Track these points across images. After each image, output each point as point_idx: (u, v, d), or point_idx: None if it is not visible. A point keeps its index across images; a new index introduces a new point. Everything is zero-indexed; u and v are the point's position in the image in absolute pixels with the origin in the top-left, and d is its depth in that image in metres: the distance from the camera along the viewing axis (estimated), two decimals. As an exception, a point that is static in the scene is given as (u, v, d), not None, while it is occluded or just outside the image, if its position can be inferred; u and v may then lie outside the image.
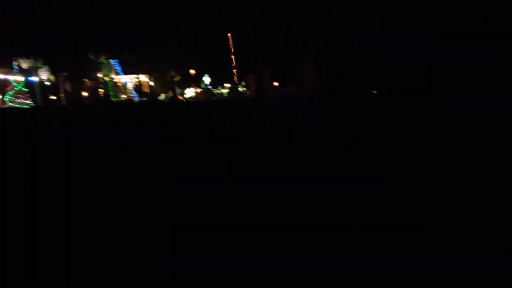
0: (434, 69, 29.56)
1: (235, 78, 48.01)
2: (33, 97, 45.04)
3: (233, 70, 47.38)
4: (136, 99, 47.24)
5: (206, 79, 49.93)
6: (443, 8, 29.91)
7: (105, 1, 43.60)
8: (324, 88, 38.01)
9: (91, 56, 44.47)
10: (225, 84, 49.09)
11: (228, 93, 48.84)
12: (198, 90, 48.85)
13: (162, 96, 47.88)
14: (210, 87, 49.97)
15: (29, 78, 44.16)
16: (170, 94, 48.33)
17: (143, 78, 48.70)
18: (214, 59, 47.83)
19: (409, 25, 33.03)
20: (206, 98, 45.98)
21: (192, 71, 47.66)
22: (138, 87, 48.70)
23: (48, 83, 45.17)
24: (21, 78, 44.82)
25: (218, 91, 49.15)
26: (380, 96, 35.78)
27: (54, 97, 46.10)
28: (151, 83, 48.98)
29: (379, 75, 35.97)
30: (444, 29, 29.66)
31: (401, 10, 34.14)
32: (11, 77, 44.96)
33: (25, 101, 44.43)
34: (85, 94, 45.06)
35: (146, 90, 48.85)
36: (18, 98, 44.46)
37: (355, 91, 35.85)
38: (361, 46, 37.84)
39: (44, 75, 44.76)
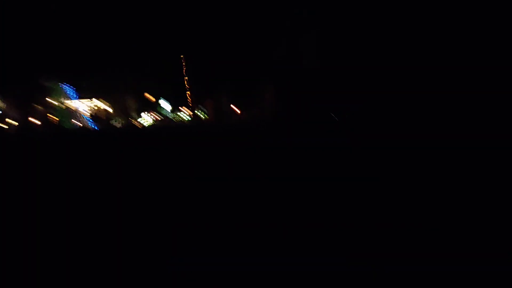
0: (390, 94, 30.38)
1: (189, 102, 47.47)
2: (-22, 125, 42.16)
3: (187, 93, 46.89)
4: (91, 125, 45.50)
5: (165, 104, 49.07)
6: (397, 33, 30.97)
7: (55, 24, 42.15)
8: (284, 113, 38.23)
9: (41, 81, 42.48)
10: (181, 108, 48.32)
11: (188, 119, 48.13)
12: (157, 115, 47.81)
13: (118, 122, 46.39)
14: (169, 112, 49.09)
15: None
16: (125, 120, 46.99)
17: (99, 103, 47.17)
18: (173, 83, 47.20)
19: (367, 52, 33.95)
20: (164, 124, 44.99)
21: (149, 96, 46.73)
22: (93, 112, 47.05)
23: (-4, 110, 42.47)
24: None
25: (178, 117, 48.33)
26: (339, 121, 36.24)
27: (5, 126, 43.40)
28: (108, 109, 47.52)
29: (339, 100, 36.52)
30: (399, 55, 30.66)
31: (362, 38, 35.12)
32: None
33: (-31, 129, 41.52)
34: (34, 120, 42.97)
35: (101, 115, 47.28)
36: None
37: (315, 116, 36.14)
38: (321, 72, 38.42)
39: (-11, 102, 42.11)
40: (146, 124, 46.93)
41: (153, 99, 47.10)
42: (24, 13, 41.29)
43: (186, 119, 47.73)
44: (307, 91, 37.64)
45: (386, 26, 31.42)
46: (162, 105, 49.03)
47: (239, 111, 45.77)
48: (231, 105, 45.75)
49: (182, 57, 47.83)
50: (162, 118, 47.54)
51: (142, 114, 47.45)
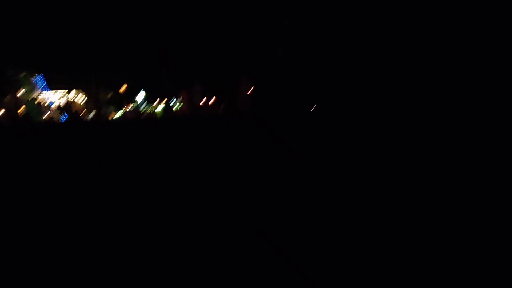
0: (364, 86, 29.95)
1: (167, 94, 46.36)
2: None
3: (164, 85, 45.71)
4: (62, 118, 44.13)
5: (140, 96, 47.87)
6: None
7: (25, 11, 40.55)
8: (260, 106, 37.57)
9: (9, 72, 40.83)
10: (156, 101, 47.11)
11: (162, 110, 47.05)
12: (130, 108, 46.67)
13: (91, 115, 45.13)
14: (144, 104, 47.92)
15: None
16: (100, 112, 45.77)
17: (71, 95, 45.74)
18: (149, 75, 45.96)
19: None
20: (134, 116, 43.89)
21: (123, 88, 45.49)
22: (66, 105, 45.65)
23: (-40, 102, 40.69)
24: None
25: (151, 109, 47.17)
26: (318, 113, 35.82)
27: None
28: (81, 101, 46.19)
29: (318, 92, 35.93)
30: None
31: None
32: None
33: None
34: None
35: (75, 108, 45.91)
36: None
37: (294, 108, 35.59)
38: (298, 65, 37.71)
39: (-46, 93, 40.28)
40: (119, 115, 45.74)
41: (126, 91, 45.93)
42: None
43: (161, 112, 46.68)
44: (283, 85, 36.98)
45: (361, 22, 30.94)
46: (138, 97, 47.85)
47: (216, 104, 44.90)
48: (208, 98, 44.95)
49: (160, 49, 46.36)
50: (138, 111, 46.41)
51: (116, 106, 46.29)
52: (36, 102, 43.55)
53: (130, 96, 46.93)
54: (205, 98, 44.60)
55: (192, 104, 44.19)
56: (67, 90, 45.71)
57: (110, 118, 45.00)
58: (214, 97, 44.78)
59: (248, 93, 41.33)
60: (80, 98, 45.99)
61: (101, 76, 44.80)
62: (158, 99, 46.48)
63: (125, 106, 46.31)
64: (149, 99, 47.27)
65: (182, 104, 45.55)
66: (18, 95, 42.67)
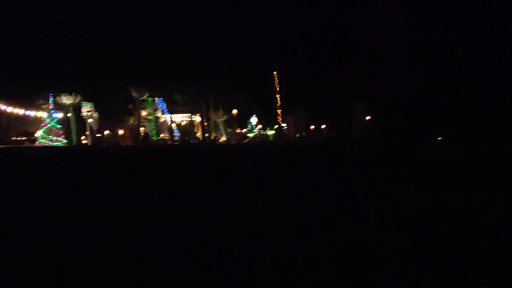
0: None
1: (280, 119, 45.35)
2: (66, 135, 44.56)
3: (278, 111, 44.67)
4: (178, 138, 46.09)
5: (253, 120, 47.86)
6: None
7: (150, 36, 43.25)
8: (376, 134, 33.61)
9: (133, 94, 43.88)
10: (259, 126, 46.52)
11: (273, 135, 46.14)
12: (243, 131, 46.89)
13: (206, 137, 46.27)
14: (256, 128, 47.77)
15: (66, 115, 43.40)
16: (214, 134, 46.88)
17: (194, 117, 47.64)
18: (261, 99, 45.69)
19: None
20: (235, 141, 43.83)
21: (235, 111, 45.95)
22: (183, 126, 47.61)
23: (92, 121, 44.59)
24: (56, 115, 44.32)
25: (261, 133, 46.43)
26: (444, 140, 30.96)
27: (99, 135, 45.56)
28: (196, 123, 47.85)
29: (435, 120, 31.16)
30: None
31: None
32: (44, 114, 44.31)
33: (58, 138, 43.83)
34: (121, 132, 44.58)
35: (193, 129, 47.67)
36: (49, 134, 44.25)
37: (410, 136, 31.19)
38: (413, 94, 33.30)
39: (86, 112, 44.21)
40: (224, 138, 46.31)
41: (236, 113, 46.35)
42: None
43: (271, 136, 45.79)
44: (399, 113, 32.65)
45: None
46: (252, 121, 47.93)
47: (325, 130, 42.33)
48: (315, 123, 43.10)
49: (275, 74, 46.20)
50: (234, 134, 46.51)
51: (231, 129, 47.09)
52: (157, 122, 46.09)
53: (240, 120, 47.42)
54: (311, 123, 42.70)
55: (297, 128, 42.70)
56: (188, 114, 47.60)
57: (220, 140, 45.74)
58: (323, 123, 42.42)
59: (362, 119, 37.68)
60: (196, 121, 47.62)
61: (216, 101, 46.00)
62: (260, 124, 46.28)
63: (236, 129, 46.77)
64: (263, 123, 47.38)
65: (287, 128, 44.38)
66: (142, 115, 45.52)
